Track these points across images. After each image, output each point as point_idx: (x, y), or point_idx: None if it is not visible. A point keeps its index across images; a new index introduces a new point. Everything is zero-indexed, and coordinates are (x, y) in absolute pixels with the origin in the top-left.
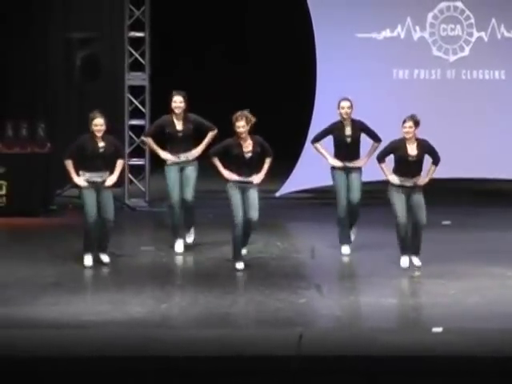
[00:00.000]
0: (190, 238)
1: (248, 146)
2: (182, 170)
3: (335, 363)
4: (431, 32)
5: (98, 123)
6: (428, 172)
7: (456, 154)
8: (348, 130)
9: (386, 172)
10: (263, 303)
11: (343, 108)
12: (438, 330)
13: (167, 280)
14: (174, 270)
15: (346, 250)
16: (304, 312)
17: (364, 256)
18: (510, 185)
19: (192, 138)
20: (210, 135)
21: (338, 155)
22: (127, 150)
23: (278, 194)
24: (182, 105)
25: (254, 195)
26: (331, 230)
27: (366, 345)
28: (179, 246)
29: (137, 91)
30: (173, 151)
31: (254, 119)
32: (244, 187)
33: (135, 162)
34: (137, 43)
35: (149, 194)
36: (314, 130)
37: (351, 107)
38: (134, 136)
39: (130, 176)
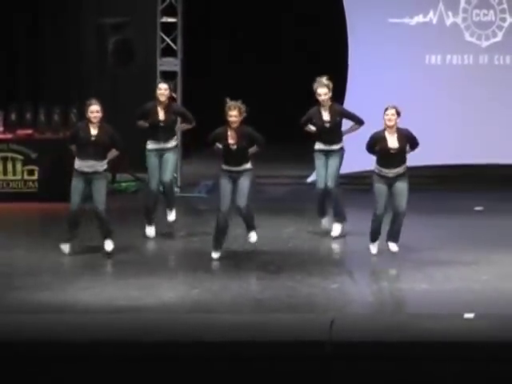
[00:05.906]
0: (171, 216)
1: (234, 138)
2: (161, 155)
3: (367, 349)
4: (464, 17)
5: (94, 110)
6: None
7: (489, 139)
8: (325, 116)
9: None
10: (295, 288)
11: (320, 95)
12: (469, 315)
13: (199, 265)
14: (204, 256)
15: (325, 222)
16: (336, 297)
17: None
18: None
19: (173, 127)
20: None
21: (319, 141)
22: None
23: (309, 180)
24: (167, 92)
25: (244, 183)
26: (364, 215)
27: (399, 330)
28: (151, 231)
29: (168, 77)
30: (153, 139)
31: (244, 109)
32: (235, 176)
33: None
34: (169, 28)
35: (181, 179)
36: None
37: (328, 93)
38: None
39: None
